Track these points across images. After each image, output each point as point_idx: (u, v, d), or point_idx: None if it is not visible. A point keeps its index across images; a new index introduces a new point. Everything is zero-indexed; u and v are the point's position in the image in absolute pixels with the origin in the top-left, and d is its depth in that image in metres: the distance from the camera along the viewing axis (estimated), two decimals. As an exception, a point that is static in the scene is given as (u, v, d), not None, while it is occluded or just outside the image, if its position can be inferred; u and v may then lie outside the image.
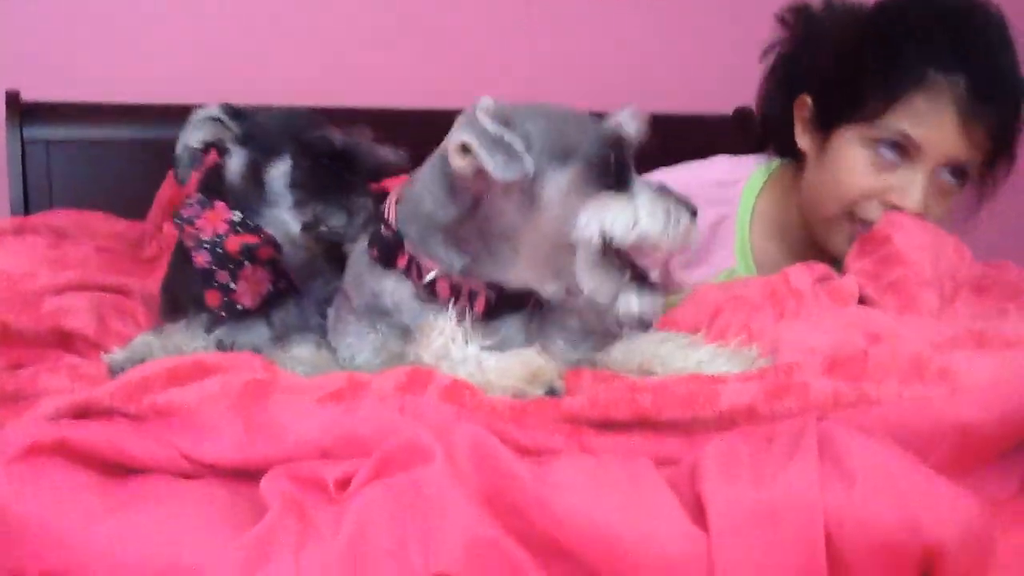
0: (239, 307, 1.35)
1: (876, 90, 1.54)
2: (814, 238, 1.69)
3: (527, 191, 1.14)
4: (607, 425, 0.97)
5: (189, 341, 1.30)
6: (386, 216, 1.26)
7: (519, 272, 1.20)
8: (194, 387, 1.00)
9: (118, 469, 0.94)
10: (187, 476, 0.94)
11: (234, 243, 1.35)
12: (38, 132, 2.19)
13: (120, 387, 1.01)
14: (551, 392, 1.07)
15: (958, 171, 1.55)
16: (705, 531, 0.78)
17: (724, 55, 2.82)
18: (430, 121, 2.44)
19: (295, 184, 1.37)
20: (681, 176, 1.74)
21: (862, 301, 1.38)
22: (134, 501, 0.87)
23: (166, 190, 2.00)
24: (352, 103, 2.37)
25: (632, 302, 1.16)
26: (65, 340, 1.35)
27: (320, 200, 1.37)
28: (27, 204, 2.17)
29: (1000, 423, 0.90)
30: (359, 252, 1.30)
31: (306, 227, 1.37)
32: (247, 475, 0.92)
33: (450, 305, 1.21)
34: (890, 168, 1.55)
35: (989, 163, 1.58)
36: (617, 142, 1.18)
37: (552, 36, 2.68)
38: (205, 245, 1.35)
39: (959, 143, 1.50)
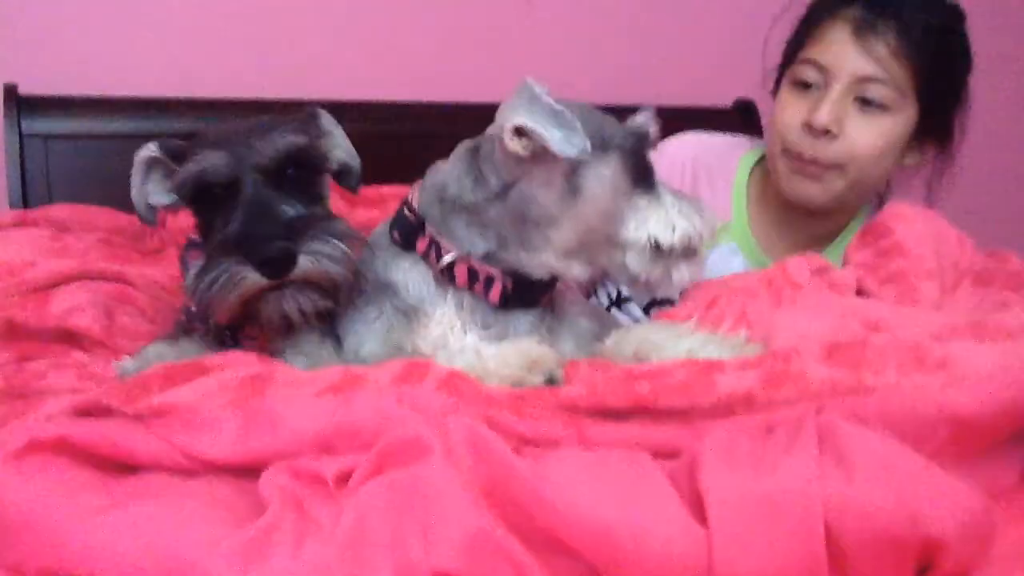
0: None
1: (799, 32, 1.76)
2: (779, 192, 1.76)
3: (569, 178, 1.17)
4: (605, 413, 0.96)
5: (201, 351, 1.25)
6: (410, 199, 1.27)
7: (547, 258, 1.21)
8: (192, 385, 1.00)
9: (118, 466, 0.94)
10: (187, 473, 0.94)
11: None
12: (36, 126, 2.19)
13: (119, 389, 1.01)
14: (550, 381, 1.08)
15: (877, 98, 1.64)
16: (704, 525, 0.78)
17: (723, 47, 2.82)
18: (425, 115, 2.45)
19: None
20: (688, 140, 1.99)
21: (860, 293, 1.39)
22: (133, 497, 0.87)
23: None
24: (346, 97, 2.37)
25: (684, 273, 1.23)
26: (71, 336, 1.34)
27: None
28: (25, 198, 2.16)
29: (998, 413, 0.91)
30: (378, 235, 1.30)
31: None
32: (246, 471, 0.92)
33: (449, 294, 1.22)
34: (809, 97, 1.68)
35: (931, 107, 1.66)
36: (643, 139, 1.23)
37: (550, 29, 2.67)
38: (197, 320, 1.28)
39: (859, 59, 1.62)
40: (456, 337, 1.15)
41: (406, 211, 1.27)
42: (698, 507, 0.80)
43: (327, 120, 1.32)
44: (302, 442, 0.92)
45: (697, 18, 2.80)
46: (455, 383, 1.00)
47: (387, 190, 1.95)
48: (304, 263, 1.14)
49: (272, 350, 1.26)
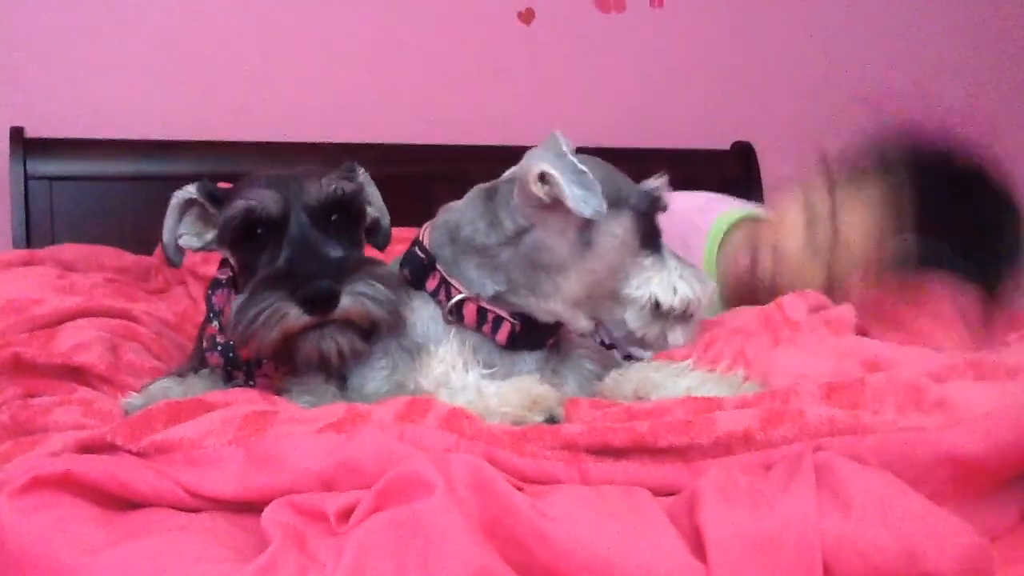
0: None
1: None
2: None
3: (582, 231, 1.21)
4: (605, 451, 0.97)
5: (208, 389, 1.27)
6: (421, 239, 1.29)
7: (555, 305, 1.24)
8: (195, 422, 1.01)
9: (121, 502, 0.94)
10: (190, 510, 0.94)
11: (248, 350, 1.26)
12: (42, 167, 2.21)
13: (123, 425, 1.01)
14: (551, 420, 1.09)
15: None
16: (704, 562, 0.78)
17: (722, 90, 2.85)
18: (431, 156, 2.47)
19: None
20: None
21: (859, 331, 1.39)
22: (136, 533, 0.87)
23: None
24: (352, 139, 2.40)
25: (678, 335, 1.28)
26: (77, 373, 1.35)
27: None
28: (29, 239, 2.18)
29: (998, 455, 0.90)
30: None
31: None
32: (249, 507, 0.92)
33: (454, 333, 1.23)
34: None
35: None
36: (655, 203, 1.26)
37: (551, 73, 2.71)
38: (218, 347, 1.30)
39: None
40: (458, 375, 1.16)
41: (417, 250, 1.29)
42: (697, 544, 0.80)
43: (363, 175, 1.35)
44: (304, 479, 0.93)
45: (697, 61, 2.83)
46: (457, 420, 1.00)
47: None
48: (346, 302, 1.17)
49: (278, 388, 1.27)
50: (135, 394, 1.26)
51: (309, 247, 1.19)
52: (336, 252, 1.21)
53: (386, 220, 1.39)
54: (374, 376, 1.25)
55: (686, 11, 2.80)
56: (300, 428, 0.98)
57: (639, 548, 0.79)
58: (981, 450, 0.90)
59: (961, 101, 3.10)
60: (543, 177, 1.17)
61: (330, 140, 2.41)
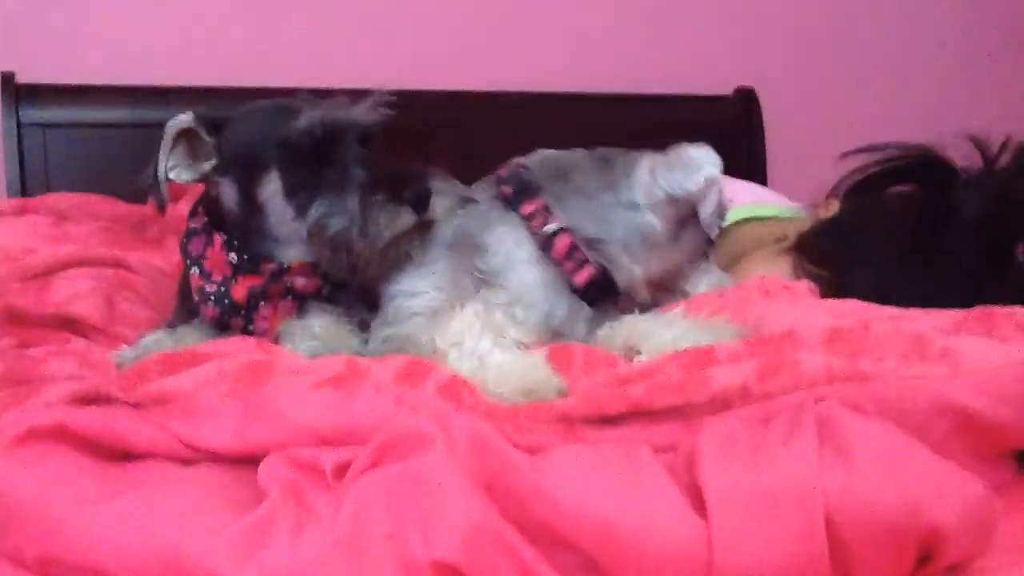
0: (266, 338, 1.27)
1: None
2: None
3: (678, 228, 1.32)
4: (602, 420, 0.96)
5: (200, 340, 1.25)
6: (522, 162, 1.34)
7: (637, 273, 1.31)
8: (190, 373, 1.00)
9: (116, 454, 0.94)
10: (186, 462, 0.94)
11: (240, 291, 1.27)
12: (34, 115, 2.19)
13: (119, 377, 1.01)
14: None
15: None
16: (704, 517, 0.78)
17: (725, 34, 2.81)
18: (430, 103, 2.45)
19: (289, 194, 1.24)
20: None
21: None
22: (132, 486, 0.87)
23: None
24: (348, 84, 2.36)
25: None
26: (72, 323, 1.34)
27: (319, 201, 1.23)
28: (24, 188, 2.16)
29: (1004, 410, 0.89)
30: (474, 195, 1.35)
31: (311, 235, 1.24)
32: (246, 460, 0.92)
33: (530, 259, 1.29)
34: None
35: None
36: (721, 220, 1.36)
37: (550, 17, 2.67)
38: (211, 298, 1.28)
39: None
40: (472, 338, 1.15)
41: (523, 171, 1.32)
42: (698, 500, 0.80)
43: None
44: (301, 434, 0.92)
45: (699, 5, 2.79)
46: (456, 389, 1.00)
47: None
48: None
49: (279, 333, 1.26)
50: (126, 347, 1.25)
51: (381, 161, 1.25)
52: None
53: None
54: (423, 286, 1.27)
55: (688, -48, 2.76)
56: (297, 382, 0.98)
57: (639, 504, 0.78)
58: (985, 403, 0.89)
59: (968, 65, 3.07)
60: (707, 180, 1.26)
61: (328, 85, 2.38)
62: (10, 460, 0.87)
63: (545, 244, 1.28)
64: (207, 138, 1.26)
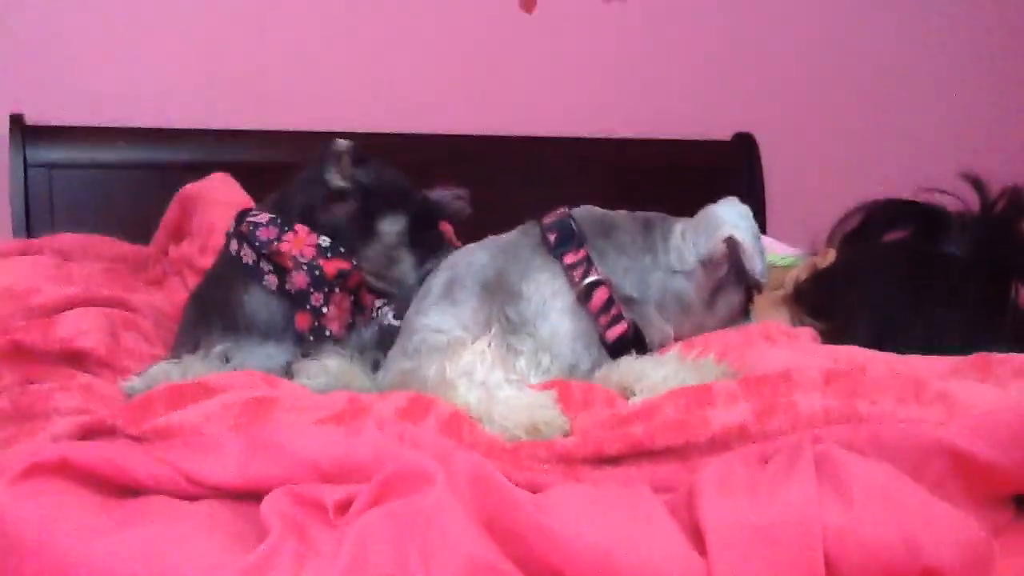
0: (327, 332, 1.39)
1: None
2: None
3: (712, 293, 1.36)
4: (601, 460, 0.97)
5: (207, 370, 1.28)
6: (569, 212, 1.36)
7: (669, 333, 1.34)
8: (194, 408, 1.00)
9: (120, 489, 0.94)
10: (189, 497, 0.94)
11: (332, 267, 1.40)
12: (41, 155, 2.20)
13: (123, 410, 1.01)
14: None
15: None
16: (704, 556, 0.78)
17: (724, 80, 2.84)
18: (431, 145, 2.47)
19: (412, 243, 1.49)
20: None
21: None
22: (135, 520, 0.87)
23: (171, 215, 2.00)
24: (354, 127, 2.39)
25: None
26: (76, 359, 1.35)
27: (430, 259, 1.47)
28: (29, 227, 2.17)
29: (998, 452, 0.88)
30: (512, 243, 1.37)
31: (408, 284, 1.48)
32: (248, 495, 0.92)
33: (563, 310, 1.30)
34: None
35: None
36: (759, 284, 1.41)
37: (552, 61, 2.70)
38: (303, 266, 1.39)
39: None
40: (484, 369, 1.15)
41: (571, 220, 1.34)
42: (697, 538, 0.80)
43: None
44: (303, 470, 0.92)
45: (699, 50, 2.82)
46: (457, 426, 1.01)
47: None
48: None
49: (291, 370, 1.32)
50: (135, 376, 1.26)
51: None
52: None
53: None
54: (445, 320, 1.29)
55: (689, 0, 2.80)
56: (300, 417, 0.98)
57: (639, 542, 0.79)
58: (980, 446, 0.89)
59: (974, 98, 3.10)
60: (729, 240, 1.29)
61: (332, 129, 2.40)
62: (14, 495, 0.87)
63: (583, 295, 1.29)
64: (349, 166, 1.45)
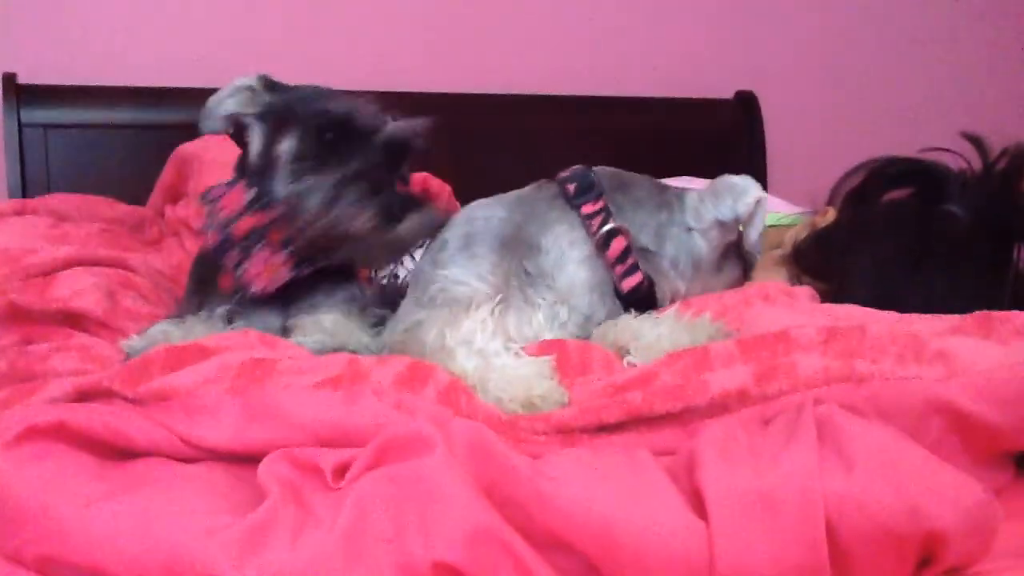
0: (252, 291, 1.30)
1: None
2: None
3: (722, 256, 1.38)
4: (601, 428, 0.97)
5: (208, 331, 1.25)
6: (590, 167, 1.38)
7: (680, 289, 1.36)
8: (191, 370, 1.00)
9: (117, 452, 0.94)
10: (186, 460, 0.94)
11: (243, 225, 1.31)
12: (36, 115, 2.19)
13: (120, 372, 1.01)
14: None
15: None
16: (705, 520, 0.78)
17: (724, 37, 2.82)
18: (429, 104, 2.45)
19: (296, 159, 1.30)
20: None
21: None
22: (132, 485, 0.87)
23: (167, 176, 2.00)
24: (352, 87, 2.36)
25: None
26: (74, 319, 1.34)
27: (307, 176, 1.28)
28: (24, 188, 2.16)
29: (998, 411, 0.89)
30: (530, 197, 1.37)
31: (284, 200, 1.29)
32: (246, 459, 0.92)
33: (582, 261, 1.31)
34: None
35: None
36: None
37: (549, 19, 2.67)
38: (213, 225, 1.33)
39: None
40: (484, 337, 1.14)
41: (591, 172, 1.36)
42: (698, 503, 0.80)
43: None
44: (300, 434, 0.92)
45: (698, 5, 2.79)
46: (455, 395, 1.00)
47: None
48: None
49: (287, 326, 1.29)
50: (135, 336, 1.26)
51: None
52: None
53: None
54: (465, 275, 1.28)
55: (689, -45, 2.77)
56: (297, 380, 0.98)
57: (639, 507, 0.78)
58: (979, 404, 0.89)
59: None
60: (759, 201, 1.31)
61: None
62: (10, 459, 0.86)
63: (601, 243, 1.31)
64: (259, 99, 1.35)
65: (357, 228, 1.25)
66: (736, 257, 1.40)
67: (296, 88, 1.39)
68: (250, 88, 1.37)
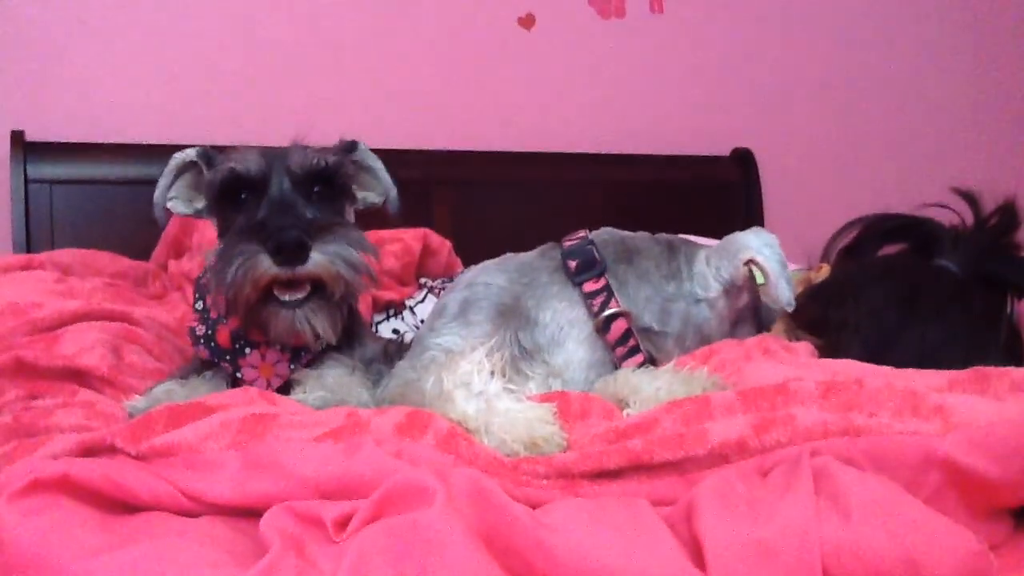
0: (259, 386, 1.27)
1: None
2: None
3: (733, 323, 1.36)
4: (601, 474, 0.97)
5: (212, 391, 1.25)
6: (589, 237, 1.35)
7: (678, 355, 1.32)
8: (193, 426, 1.00)
9: (120, 506, 0.94)
10: (188, 514, 0.94)
11: (223, 335, 1.28)
12: (42, 171, 2.21)
13: (123, 428, 1.01)
14: None
15: None
16: (703, 570, 0.78)
17: (722, 97, 2.85)
18: (432, 161, 2.47)
19: (220, 235, 1.27)
20: None
21: None
22: (135, 537, 0.87)
23: (171, 229, 2.01)
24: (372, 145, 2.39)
25: None
26: (79, 376, 1.35)
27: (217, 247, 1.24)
28: (29, 242, 2.17)
29: (995, 466, 0.89)
30: (529, 265, 1.36)
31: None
32: (247, 512, 0.92)
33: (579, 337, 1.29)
34: None
35: None
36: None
37: (550, 77, 2.70)
38: (200, 341, 1.30)
39: None
40: (481, 379, 1.14)
41: (592, 248, 1.33)
42: (696, 552, 0.80)
43: (364, 152, 1.36)
44: (301, 487, 0.93)
45: (696, 67, 2.83)
46: (454, 441, 1.00)
47: (386, 234, 1.96)
48: (317, 258, 1.15)
49: (292, 380, 1.28)
50: (139, 396, 1.26)
51: (286, 206, 1.19)
52: (313, 214, 1.20)
53: (393, 192, 1.38)
54: (459, 341, 1.28)
55: (686, 17, 2.80)
56: (298, 434, 0.98)
57: (638, 557, 0.79)
58: (976, 459, 0.89)
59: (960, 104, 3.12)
60: (751, 262, 1.29)
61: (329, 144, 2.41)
62: (15, 511, 0.87)
63: (602, 326, 1.30)
64: (207, 174, 1.28)
65: (258, 278, 1.16)
66: (752, 318, 1.38)
67: (225, 156, 1.30)
68: (191, 166, 1.31)
